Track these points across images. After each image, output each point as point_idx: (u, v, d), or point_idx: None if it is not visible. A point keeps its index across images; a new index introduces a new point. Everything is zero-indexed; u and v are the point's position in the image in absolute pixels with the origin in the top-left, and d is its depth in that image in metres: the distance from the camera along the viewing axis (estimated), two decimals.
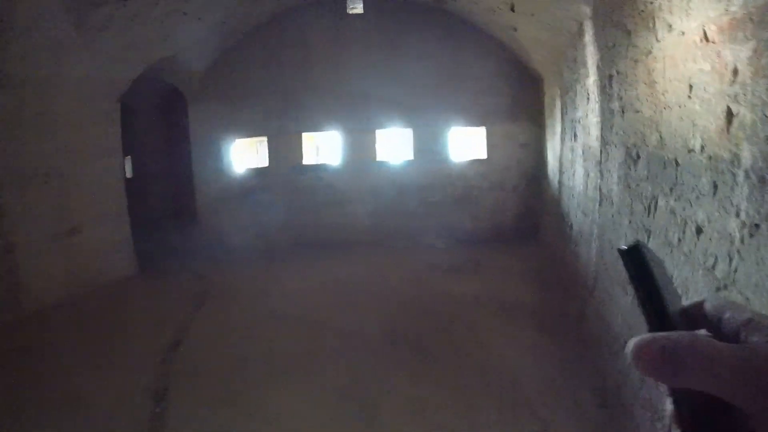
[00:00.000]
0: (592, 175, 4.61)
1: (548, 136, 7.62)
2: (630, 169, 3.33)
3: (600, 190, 4.22)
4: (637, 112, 3.13)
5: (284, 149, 8.87)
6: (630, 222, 3.31)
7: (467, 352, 4.37)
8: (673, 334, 0.34)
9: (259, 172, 9.07)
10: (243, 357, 4.54)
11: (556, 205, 6.73)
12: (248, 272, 7.32)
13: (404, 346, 4.53)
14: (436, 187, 8.75)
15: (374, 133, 8.84)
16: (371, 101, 8.65)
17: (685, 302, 0.40)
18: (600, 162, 4.25)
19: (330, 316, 5.33)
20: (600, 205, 4.21)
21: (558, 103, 6.48)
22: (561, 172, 6.44)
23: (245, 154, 9.46)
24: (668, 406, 0.37)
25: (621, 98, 3.53)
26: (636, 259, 0.38)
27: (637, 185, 3.16)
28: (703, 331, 0.36)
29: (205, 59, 8.57)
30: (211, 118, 8.90)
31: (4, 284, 5.38)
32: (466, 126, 8.82)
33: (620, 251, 0.39)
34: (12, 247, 5.47)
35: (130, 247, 7.17)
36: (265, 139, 9.00)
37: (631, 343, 0.35)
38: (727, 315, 0.37)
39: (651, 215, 2.87)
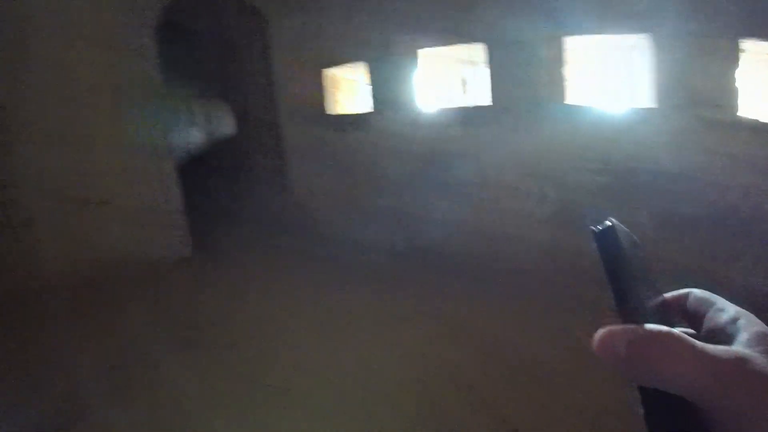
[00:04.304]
0: None
1: None
2: None
3: None
4: None
5: (392, 82, 5.16)
6: None
7: None
8: (642, 329, 0.30)
9: (358, 122, 5.67)
10: None
11: None
12: (305, 295, 4.46)
13: None
14: (702, 179, 3.63)
15: (559, 42, 4.15)
16: None
17: (668, 294, 0.37)
18: None
19: None
20: None
21: None
22: None
23: (346, 92, 6.13)
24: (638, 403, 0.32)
25: None
26: (609, 242, 0.32)
27: None
28: (680, 328, 0.32)
29: None
30: (292, 40, 5.76)
31: (16, 261, 4.62)
32: None
33: (593, 232, 0.33)
34: (29, 221, 4.69)
35: (179, 222, 5.47)
36: (361, 67, 5.42)
37: (598, 334, 0.30)
38: (711, 312, 0.35)
39: None
